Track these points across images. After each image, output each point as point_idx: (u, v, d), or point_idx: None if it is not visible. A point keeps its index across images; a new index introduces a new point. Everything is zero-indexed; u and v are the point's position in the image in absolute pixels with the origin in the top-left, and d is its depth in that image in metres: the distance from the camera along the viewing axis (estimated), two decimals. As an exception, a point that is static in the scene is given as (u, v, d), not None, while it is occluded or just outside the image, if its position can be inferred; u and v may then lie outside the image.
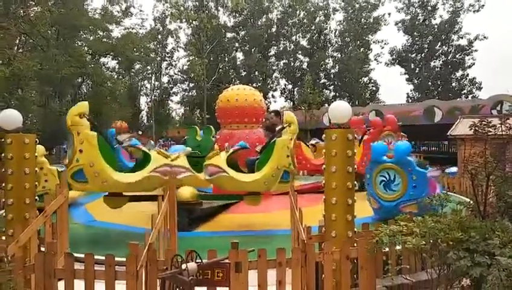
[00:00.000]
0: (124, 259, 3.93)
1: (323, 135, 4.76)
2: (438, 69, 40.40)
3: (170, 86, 45.26)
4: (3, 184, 4.73)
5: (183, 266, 3.50)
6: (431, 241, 3.84)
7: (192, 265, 3.55)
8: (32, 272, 4.09)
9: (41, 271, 4.00)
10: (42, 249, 4.72)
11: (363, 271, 4.32)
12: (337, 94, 42.47)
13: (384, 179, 8.36)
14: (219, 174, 7.69)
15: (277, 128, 9.62)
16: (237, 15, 41.98)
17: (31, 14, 20.69)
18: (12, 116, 4.88)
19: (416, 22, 40.64)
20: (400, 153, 8.15)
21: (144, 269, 3.99)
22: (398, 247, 4.76)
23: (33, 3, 22.98)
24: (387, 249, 4.69)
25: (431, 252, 3.92)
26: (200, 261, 3.66)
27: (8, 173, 4.66)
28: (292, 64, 43.00)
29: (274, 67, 43.70)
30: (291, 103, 43.82)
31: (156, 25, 41.95)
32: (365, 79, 43.21)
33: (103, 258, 4.04)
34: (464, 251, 3.62)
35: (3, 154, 4.73)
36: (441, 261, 3.86)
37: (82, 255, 4.11)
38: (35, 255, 4.17)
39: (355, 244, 4.40)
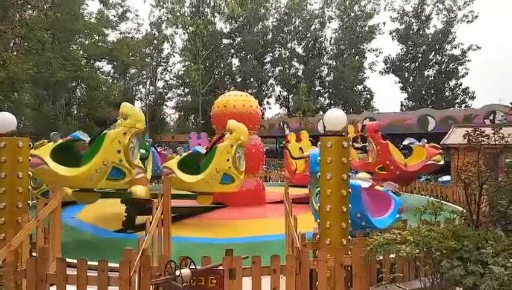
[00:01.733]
0: (117, 265, 3.90)
1: (318, 143, 4.78)
2: (432, 78, 40.75)
3: (165, 91, 45.22)
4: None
5: (177, 272, 3.48)
6: (424, 249, 3.86)
7: (186, 271, 3.53)
8: (24, 277, 4.04)
9: (33, 276, 3.96)
10: (34, 254, 4.67)
11: (357, 279, 4.32)
12: (332, 102, 42.66)
13: (318, 191, 7.70)
14: (171, 175, 8.50)
15: None
16: (233, 21, 42.13)
17: (27, 17, 20.64)
18: (6, 119, 4.84)
19: (411, 32, 41.05)
20: (312, 163, 7.47)
21: (137, 274, 3.96)
22: (392, 255, 4.77)
23: (29, 7, 22.93)
24: (381, 257, 4.70)
25: (424, 261, 3.94)
26: (194, 267, 3.64)
27: (1, 176, 4.61)
28: (287, 71, 43.17)
29: (269, 74, 43.85)
30: (286, 110, 43.93)
31: (152, 30, 41.99)
32: (360, 87, 43.51)
33: (96, 263, 4.01)
34: (457, 259, 3.65)
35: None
36: (434, 269, 3.88)
37: (75, 261, 4.07)
38: (27, 260, 4.12)
39: (349, 252, 4.40)
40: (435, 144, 12.57)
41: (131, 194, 8.62)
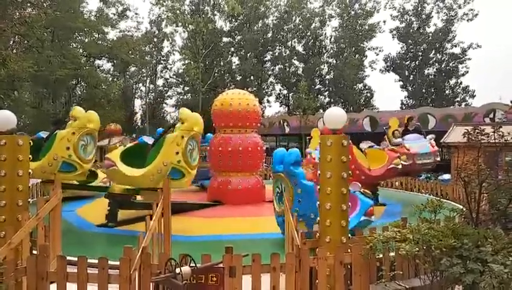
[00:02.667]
0: (117, 262, 3.91)
1: (318, 141, 4.78)
2: (432, 76, 40.70)
3: (165, 89, 45.19)
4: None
5: (177, 270, 3.48)
6: (424, 247, 3.86)
7: (186, 269, 3.54)
8: (24, 275, 4.05)
9: (33, 274, 3.97)
10: (34, 252, 4.67)
11: (357, 277, 4.33)
12: (332, 100, 42.62)
13: (278, 190, 7.41)
14: (112, 168, 7.99)
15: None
16: (233, 20, 42.07)
17: (26, 16, 20.59)
18: (6, 118, 4.85)
19: (411, 30, 40.97)
20: (286, 162, 7.14)
21: (137, 272, 3.97)
22: (391, 253, 4.78)
23: (29, 4, 22.87)
24: (381, 255, 4.70)
25: (424, 259, 3.95)
26: (194, 265, 3.65)
27: (1, 174, 4.61)
28: (287, 69, 43.11)
29: (269, 72, 43.81)
30: (286, 108, 43.92)
31: (151, 28, 41.94)
32: (360, 85, 43.46)
33: (96, 261, 4.01)
34: (456, 257, 3.65)
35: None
36: (434, 267, 3.89)
37: (75, 258, 4.08)
38: (27, 258, 4.13)
39: (349, 250, 4.41)
40: (393, 147, 11.57)
41: (112, 188, 8.91)
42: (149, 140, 9.07)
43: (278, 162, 7.20)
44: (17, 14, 20.18)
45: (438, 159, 12.32)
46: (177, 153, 8.06)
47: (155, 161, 7.98)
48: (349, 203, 6.92)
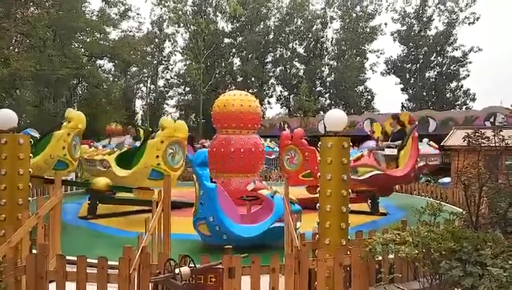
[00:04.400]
0: (117, 262, 3.91)
1: (319, 143, 4.79)
2: (433, 79, 40.73)
3: (166, 89, 45.21)
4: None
5: (176, 271, 3.49)
6: (424, 250, 3.87)
7: (185, 269, 3.54)
8: (23, 274, 4.05)
9: (33, 273, 3.97)
10: (34, 250, 4.68)
11: (356, 279, 4.33)
12: (333, 102, 42.65)
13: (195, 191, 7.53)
14: (108, 169, 9.29)
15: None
16: (235, 21, 42.12)
17: (29, 15, 20.65)
18: (7, 116, 4.86)
19: (412, 33, 41.02)
20: (193, 163, 7.15)
21: (136, 272, 3.98)
22: (391, 256, 4.78)
23: (32, 4, 22.93)
24: (380, 257, 4.71)
25: (423, 262, 3.95)
26: (193, 265, 3.65)
27: (1, 173, 4.62)
28: (288, 71, 43.15)
29: (270, 74, 43.83)
30: (287, 109, 43.92)
31: (153, 29, 41.97)
32: (361, 88, 43.47)
33: (95, 261, 4.02)
34: (456, 261, 3.65)
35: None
36: (433, 270, 3.89)
37: (74, 258, 4.08)
38: (27, 257, 4.14)
39: (348, 252, 4.41)
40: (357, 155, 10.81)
41: (94, 185, 9.81)
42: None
43: (195, 163, 7.16)
44: (20, 13, 20.24)
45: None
46: (157, 156, 8.96)
47: (138, 164, 8.99)
48: (265, 209, 7.01)
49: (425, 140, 12.27)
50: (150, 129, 10.26)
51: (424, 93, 40.82)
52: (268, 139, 21.23)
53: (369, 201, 10.63)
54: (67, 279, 4.00)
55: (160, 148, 8.99)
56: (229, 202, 7.11)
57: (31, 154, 4.91)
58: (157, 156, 8.96)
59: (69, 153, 9.19)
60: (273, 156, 22.04)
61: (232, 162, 11.54)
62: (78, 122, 9.46)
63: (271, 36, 42.64)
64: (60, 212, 5.47)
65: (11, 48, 22.83)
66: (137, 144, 11.39)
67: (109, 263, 3.99)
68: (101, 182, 9.89)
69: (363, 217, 9.57)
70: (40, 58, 24.67)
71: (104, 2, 34.78)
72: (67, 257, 4.16)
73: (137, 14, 40.47)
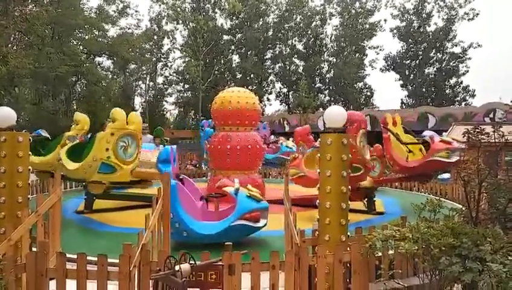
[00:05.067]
0: (117, 260, 3.91)
1: (319, 139, 4.78)
2: (432, 76, 40.70)
3: (165, 86, 45.12)
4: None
5: (177, 268, 3.49)
6: (423, 246, 3.87)
7: (185, 266, 3.54)
8: (24, 271, 4.05)
9: (33, 270, 3.97)
10: (34, 248, 4.68)
11: (356, 275, 4.34)
12: (332, 99, 42.61)
13: None
14: (59, 162, 9.00)
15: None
16: (234, 18, 41.99)
17: (28, 13, 20.56)
18: (6, 114, 4.85)
19: (411, 29, 40.96)
20: (160, 159, 7.23)
21: (136, 269, 3.98)
22: (390, 252, 4.79)
23: (30, 1, 22.84)
24: (380, 253, 4.71)
25: (423, 257, 3.95)
26: (193, 262, 3.65)
27: (0, 171, 4.62)
28: (288, 68, 43.07)
29: (270, 71, 43.76)
30: (287, 106, 43.88)
31: (151, 26, 41.84)
32: (360, 84, 43.42)
33: (95, 259, 4.02)
34: (455, 256, 3.66)
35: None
36: (433, 266, 3.89)
37: (74, 256, 4.08)
38: (27, 254, 4.14)
39: (348, 249, 4.41)
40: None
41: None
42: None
43: (160, 161, 7.37)
44: (18, 11, 20.16)
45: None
46: (107, 149, 8.68)
47: (87, 157, 8.74)
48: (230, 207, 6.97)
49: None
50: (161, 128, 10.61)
51: (424, 90, 40.80)
52: (290, 139, 20.65)
53: (365, 199, 10.46)
54: (68, 276, 4.00)
55: (110, 140, 8.67)
56: (189, 199, 7.08)
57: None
58: (107, 149, 8.67)
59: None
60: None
61: (230, 159, 11.54)
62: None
63: (270, 33, 42.53)
64: (60, 210, 5.47)
65: (9, 45, 22.73)
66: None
67: (109, 260, 3.99)
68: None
69: (358, 215, 9.32)
70: (38, 55, 24.61)
71: (102, -1, 34.68)
72: (68, 255, 4.16)
73: (136, 11, 40.41)
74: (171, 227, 6.58)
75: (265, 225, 6.96)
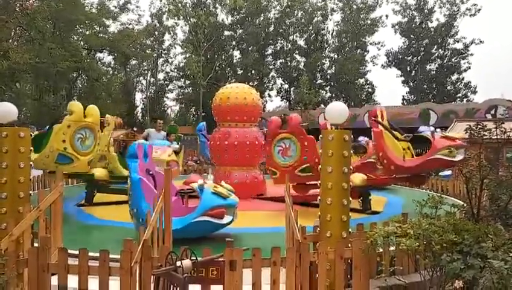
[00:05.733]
0: (118, 255, 3.92)
1: (320, 135, 4.77)
2: (434, 72, 40.61)
3: (166, 82, 45.09)
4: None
5: (178, 263, 3.49)
6: (425, 243, 3.87)
7: (187, 262, 3.54)
8: (25, 267, 4.07)
9: (35, 266, 3.98)
10: (36, 244, 4.69)
11: (357, 271, 4.34)
12: (333, 95, 42.55)
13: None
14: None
15: None
16: (235, 13, 41.88)
17: (28, 7, 20.57)
18: (7, 110, 4.85)
19: (413, 25, 40.82)
20: (129, 155, 7.31)
21: (138, 265, 3.99)
22: (392, 248, 4.79)
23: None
24: (381, 249, 4.71)
25: (424, 254, 3.95)
26: (194, 258, 3.66)
27: (2, 166, 4.62)
28: (289, 64, 42.99)
29: (271, 67, 43.67)
30: (288, 102, 43.83)
31: (152, 21, 41.77)
32: (361, 80, 43.34)
33: (97, 254, 4.03)
34: (457, 253, 3.66)
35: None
36: (434, 263, 3.89)
37: (76, 252, 4.09)
38: (29, 250, 4.15)
39: (349, 245, 4.42)
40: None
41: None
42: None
43: (128, 156, 7.42)
44: (18, 5, 20.14)
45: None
46: (64, 141, 9.01)
47: (45, 148, 8.98)
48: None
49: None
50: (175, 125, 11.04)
51: (425, 86, 40.71)
52: None
53: (360, 198, 9.92)
54: (69, 272, 4.01)
55: (66, 132, 9.02)
56: (153, 194, 7.13)
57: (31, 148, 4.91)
58: (64, 141, 8.99)
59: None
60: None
61: (230, 155, 11.54)
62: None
63: (271, 28, 42.41)
64: (61, 205, 5.48)
65: (10, 40, 22.72)
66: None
67: (111, 256, 4.00)
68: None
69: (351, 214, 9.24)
70: (39, 51, 24.60)
71: (103, -6, 34.60)
72: (69, 251, 4.16)
73: (137, 6, 40.45)
74: (136, 221, 6.75)
75: (231, 221, 6.94)
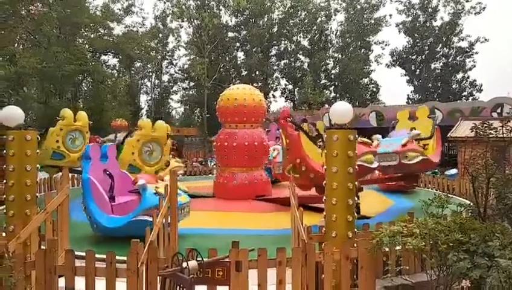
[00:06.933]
0: (125, 257, 3.94)
1: (325, 135, 4.76)
2: (439, 71, 40.34)
3: (170, 84, 45.21)
4: (4, 180, 4.73)
5: (184, 264, 3.51)
6: (431, 242, 3.85)
7: (192, 263, 3.56)
8: (33, 269, 4.09)
9: (42, 268, 4.01)
10: (43, 246, 4.72)
11: (363, 271, 4.33)
12: (338, 95, 42.41)
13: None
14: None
15: None
16: (239, 14, 41.88)
17: (36, 13, 20.72)
18: (14, 113, 4.88)
19: (417, 24, 40.58)
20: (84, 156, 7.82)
21: (144, 266, 4.00)
22: (398, 247, 4.77)
23: (37, 1, 22.95)
24: (387, 249, 4.70)
25: (431, 254, 3.94)
26: (200, 259, 3.66)
27: (9, 169, 4.65)
28: (293, 64, 42.91)
29: (275, 67, 43.62)
30: (292, 103, 43.77)
31: (156, 24, 41.91)
32: (366, 80, 43.15)
33: (104, 256, 4.05)
34: (463, 252, 3.63)
35: (4, 151, 4.73)
36: (440, 262, 3.87)
37: (83, 253, 4.11)
38: (36, 252, 4.18)
39: (355, 245, 4.40)
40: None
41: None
42: None
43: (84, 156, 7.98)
44: (26, 11, 20.32)
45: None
46: (57, 141, 11.81)
47: (41, 147, 10.39)
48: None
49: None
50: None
51: (430, 85, 40.45)
52: None
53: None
54: (76, 273, 4.03)
55: (59, 134, 11.83)
56: (101, 193, 7.36)
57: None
58: (57, 141, 11.78)
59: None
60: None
61: (236, 156, 11.54)
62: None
63: (275, 29, 42.36)
64: (68, 208, 5.51)
65: (16, 45, 22.89)
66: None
67: (117, 257, 4.02)
68: None
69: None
70: (45, 55, 24.75)
71: (107, -2, 34.77)
72: (76, 252, 4.19)
73: (141, 9, 40.66)
74: (87, 217, 7.18)
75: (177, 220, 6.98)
